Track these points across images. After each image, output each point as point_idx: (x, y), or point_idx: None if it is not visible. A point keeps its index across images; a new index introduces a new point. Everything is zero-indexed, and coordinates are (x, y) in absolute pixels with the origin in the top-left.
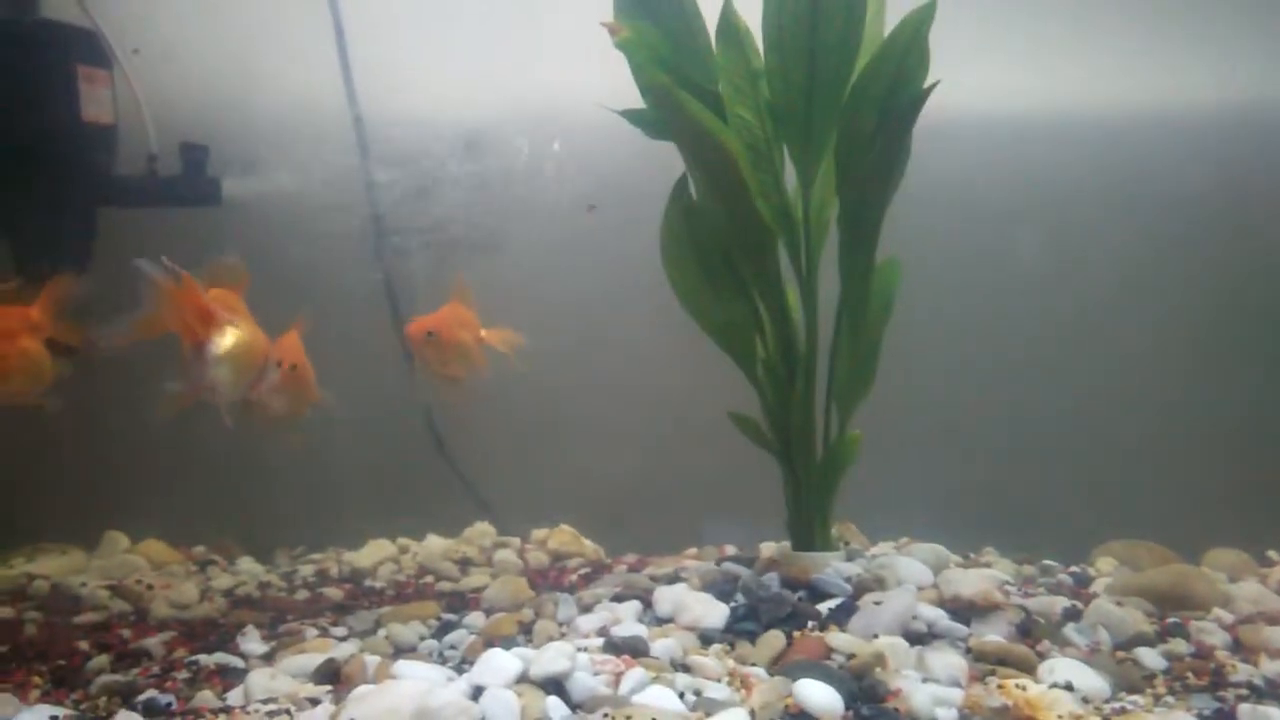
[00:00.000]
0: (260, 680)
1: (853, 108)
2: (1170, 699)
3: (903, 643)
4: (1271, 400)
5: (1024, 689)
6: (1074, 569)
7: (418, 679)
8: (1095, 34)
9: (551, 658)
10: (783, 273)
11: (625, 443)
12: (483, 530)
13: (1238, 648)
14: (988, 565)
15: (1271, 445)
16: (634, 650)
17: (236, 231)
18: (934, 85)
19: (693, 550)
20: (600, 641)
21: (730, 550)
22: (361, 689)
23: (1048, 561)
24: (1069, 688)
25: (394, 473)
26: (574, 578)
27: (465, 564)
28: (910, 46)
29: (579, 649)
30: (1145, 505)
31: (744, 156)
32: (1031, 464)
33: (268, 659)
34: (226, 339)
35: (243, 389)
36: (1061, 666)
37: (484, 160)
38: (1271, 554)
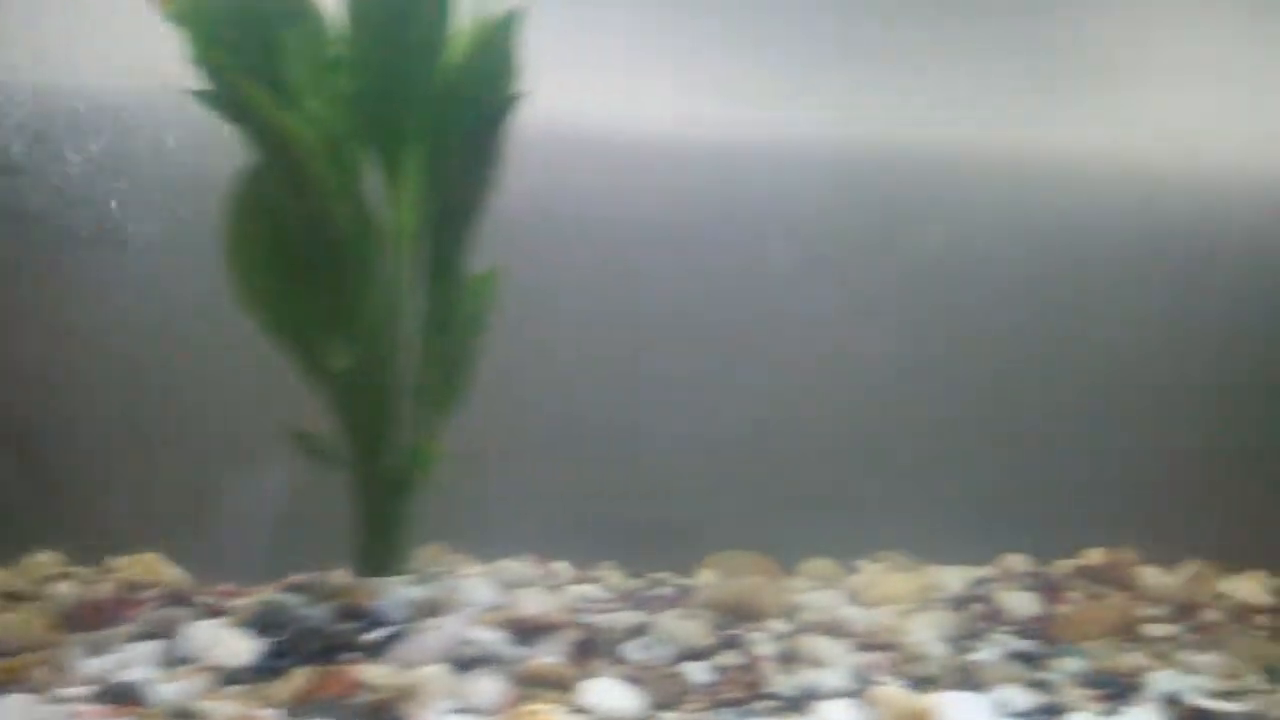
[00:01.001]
0: None
1: (440, 108)
2: (708, 714)
3: (446, 670)
4: (897, 405)
5: (542, 714)
6: (685, 581)
7: None
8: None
9: (8, 712)
10: (370, 278)
11: (235, 457)
12: (49, 559)
13: (791, 658)
14: (596, 580)
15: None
16: (129, 698)
17: None
18: (520, 94)
19: (298, 577)
20: (93, 689)
21: (342, 575)
22: None
23: (659, 574)
24: (587, 710)
25: None
26: (137, 611)
27: (11, 598)
28: (502, 50)
29: (58, 699)
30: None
31: (317, 153)
32: (656, 475)
33: None
34: None
35: None
36: (598, 686)
37: (98, 140)
38: (859, 563)
